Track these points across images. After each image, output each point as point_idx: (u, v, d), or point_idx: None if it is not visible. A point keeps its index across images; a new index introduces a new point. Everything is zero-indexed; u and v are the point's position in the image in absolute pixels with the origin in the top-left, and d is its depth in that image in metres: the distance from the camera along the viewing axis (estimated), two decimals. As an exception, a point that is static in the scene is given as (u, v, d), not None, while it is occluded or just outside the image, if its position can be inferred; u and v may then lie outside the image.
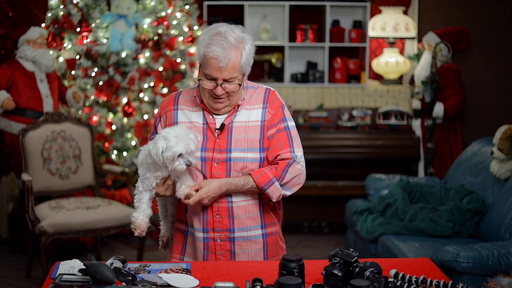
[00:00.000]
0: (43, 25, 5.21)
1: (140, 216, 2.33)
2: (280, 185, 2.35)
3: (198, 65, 2.35)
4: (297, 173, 2.37)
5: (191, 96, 2.43)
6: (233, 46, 2.25)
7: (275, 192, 2.34)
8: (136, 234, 2.34)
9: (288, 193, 2.39)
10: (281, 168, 2.34)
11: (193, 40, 5.38)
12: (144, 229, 2.34)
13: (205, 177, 2.36)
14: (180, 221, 2.48)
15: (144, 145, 2.35)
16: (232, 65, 2.25)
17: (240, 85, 2.30)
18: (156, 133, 2.42)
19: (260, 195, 2.41)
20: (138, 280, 2.06)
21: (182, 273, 2.17)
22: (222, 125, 2.35)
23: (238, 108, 2.37)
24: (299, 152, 2.38)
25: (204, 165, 2.35)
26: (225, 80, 2.27)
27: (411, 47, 6.05)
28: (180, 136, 2.23)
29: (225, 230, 2.38)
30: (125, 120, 5.24)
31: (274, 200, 2.36)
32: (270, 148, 2.37)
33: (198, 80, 2.32)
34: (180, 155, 2.23)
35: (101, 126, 5.20)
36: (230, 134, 2.35)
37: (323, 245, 5.19)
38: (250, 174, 2.33)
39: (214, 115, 2.37)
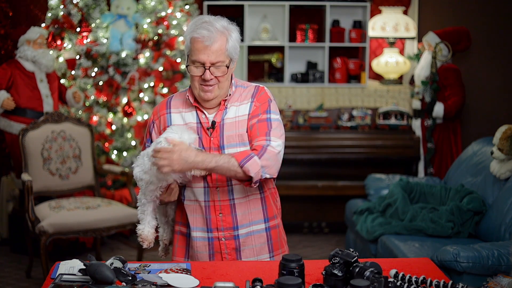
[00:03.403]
0: (43, 25, 5.21)
1: (146, 228, 2.32)
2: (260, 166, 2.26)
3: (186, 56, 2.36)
4: (272, 156, 2.29)
5: (183, 98, 2.43)
6: (219, 31, 2.29)
7: (254, 165, 2.23)
8: (144, 246, 2.34)
9: (267, 176, 2.30)
10: (258, 149, 2.28)
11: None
12: (151, 240, 2.33)
13: (205, 178, 2.36)
14: (181, 224, 2.47)
15: (138, 158, 2.29)
16: (218, 47, 2.27)
17: (228, 67, 2.30)
18: (151, 140, 2.42)
19: (261, 190, 2.40)
20: (138, 280, 2.06)
21: (182, 273, 2.17)
22: (213, 123, 2.35)
23: (226, 105, 2.37)
24: (274, 141, 2.31)
25: None
26: (212, 64, 2.28)
27: (411, 47, 6.05)
28: (179, 131, 2.24)
29: (229, 228, 2.38)
30: (125, 120, 5.24)
31: (252, 175, 2.23)
32: (250, 138, 2.34)
33: (186, 66, 2.33)
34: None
35: (101, 126, 5.20)
36: (222, 132, 2.35)
37: (323, 245, 5.18)
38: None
39: (206, 114, 2.37)
